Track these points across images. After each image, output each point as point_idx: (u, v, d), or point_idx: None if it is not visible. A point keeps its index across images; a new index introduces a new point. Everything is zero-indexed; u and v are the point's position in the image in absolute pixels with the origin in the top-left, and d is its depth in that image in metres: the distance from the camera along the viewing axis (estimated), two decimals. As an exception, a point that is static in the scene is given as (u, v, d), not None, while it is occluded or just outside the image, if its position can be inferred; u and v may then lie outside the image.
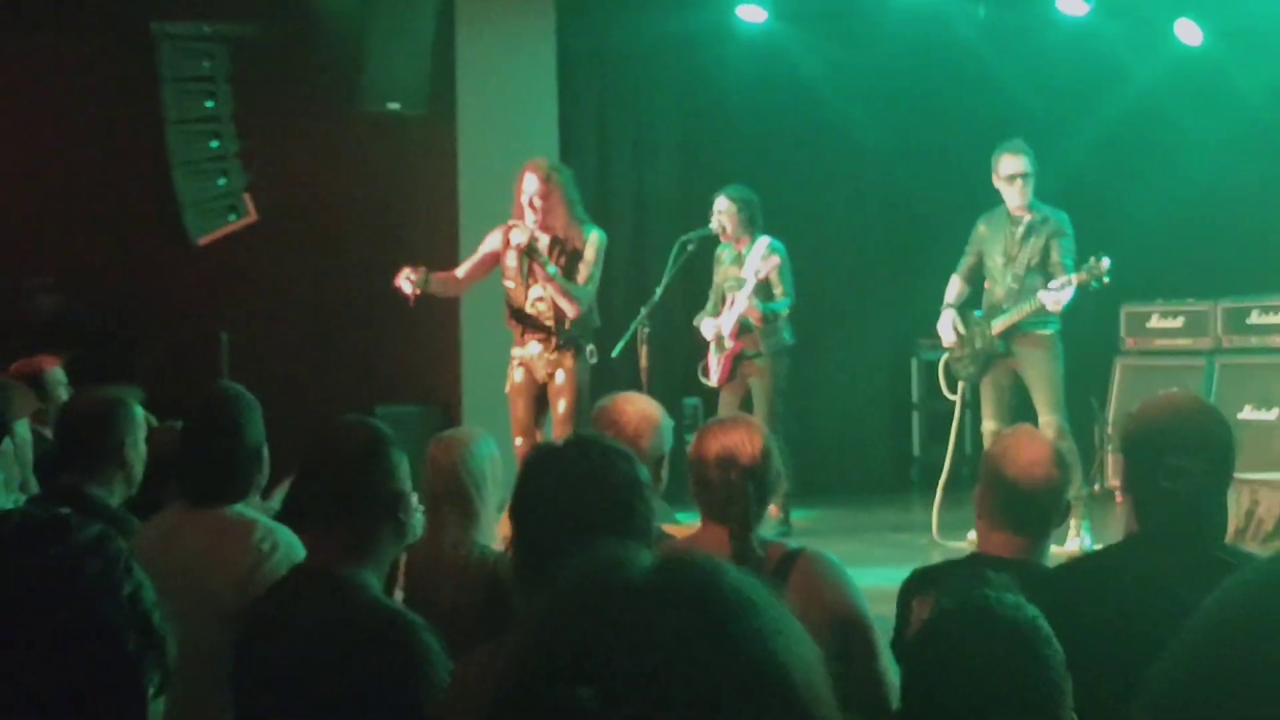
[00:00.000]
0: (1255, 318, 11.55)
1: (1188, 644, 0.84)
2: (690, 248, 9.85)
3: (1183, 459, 3.49)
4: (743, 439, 3.89)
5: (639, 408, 4.90)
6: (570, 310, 8.64)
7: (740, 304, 9.89)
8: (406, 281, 8.50)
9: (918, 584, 3.95)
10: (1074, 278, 9.03)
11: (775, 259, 9.93)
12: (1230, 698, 0.81)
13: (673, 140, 12.91)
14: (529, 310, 8.75)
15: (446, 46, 11.31)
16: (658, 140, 12.87)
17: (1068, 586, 3.59)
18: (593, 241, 8.78)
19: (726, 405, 9.97)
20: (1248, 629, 0.83)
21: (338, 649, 3.42)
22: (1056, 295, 9.06)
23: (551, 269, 8.60)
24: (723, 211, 10.08)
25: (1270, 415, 11.27)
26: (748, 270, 9.95)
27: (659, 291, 9.67)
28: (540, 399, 8.81)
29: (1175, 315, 11.97)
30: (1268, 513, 9.50)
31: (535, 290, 8.71)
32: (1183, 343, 11.90)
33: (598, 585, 1.36)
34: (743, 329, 10.00)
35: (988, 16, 12.52)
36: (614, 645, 1.30)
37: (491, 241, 8.88)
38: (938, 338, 9.80)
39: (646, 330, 9.55)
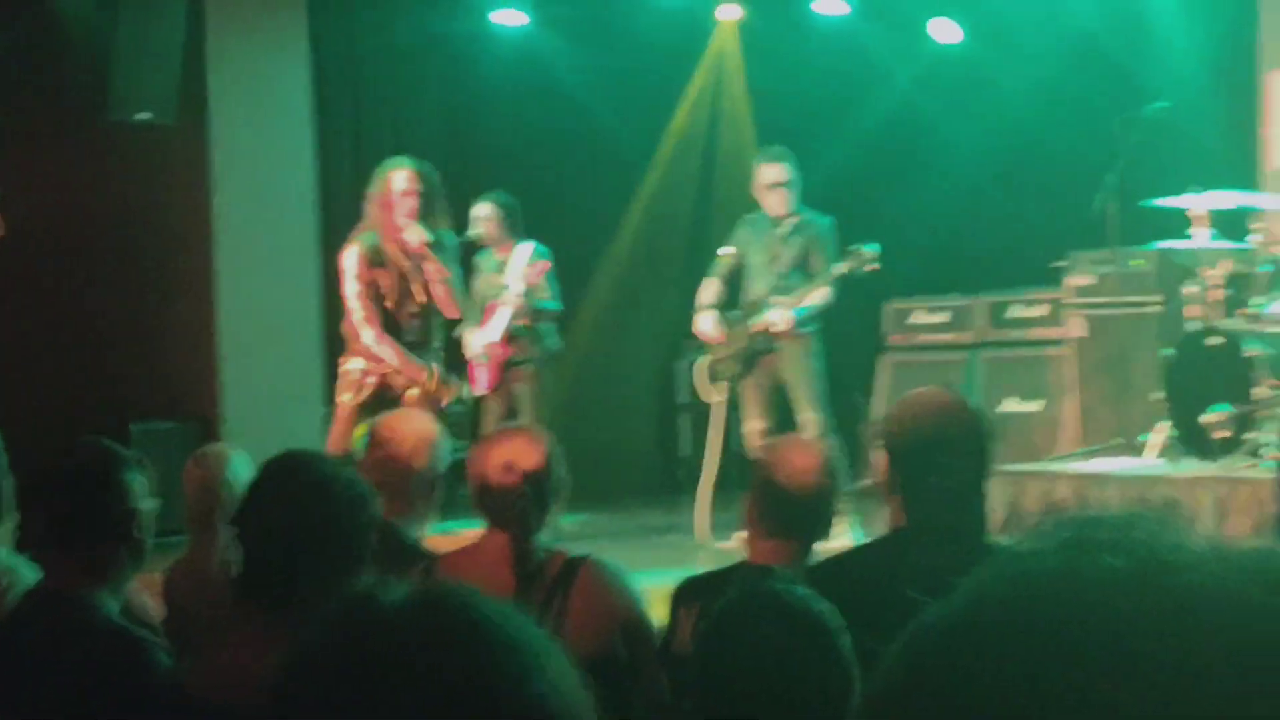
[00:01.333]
0: (1015, 312, 11.76)
1: (902, 650, 0.80)
2: (452, 255, 9.73)
3: (944, 455, 3.51)
4: (524, 447, 3.87)
5: (414, 426, 4.82)
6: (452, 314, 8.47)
7: (510, 305, 9.77)
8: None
9: (686, 594, 3.92)
10: (836, 269, 9.14)
11: (546, 263, 9.85)
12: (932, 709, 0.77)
13: (432, 146, 12.74)
14: (407, 324, 8.44)
15: (197, 53, 11.03)
16: (417, 146, 12.67)
17: (838, 580, 3.57)
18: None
19: (492, 413, 9.87)
20: (960, 639, 0.79)
21: (67, 671, 3.35)
22: (788, 319, 9.20)
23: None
24: (484, 218, 9.98)
25: (1032, 407, 11.48)
26: (511, 277, 9.84)
27: (420, 300, 9.53)
28: None
29: (938, 311, 12.13)
30: (1032, 503, 9.66)
31: (410, 304, 8.42)
32: (946, 338, 12.06)
33: (347, 625, 1.25)
34: (509, 337, 9.89)
35: (746, 19, 12.60)
36: (363, 690, 1.19)
37: (361, 270, 8.43)
38: (701, 340, 9.82)
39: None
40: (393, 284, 8.34)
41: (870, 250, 9.06)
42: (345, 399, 8.37)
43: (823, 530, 3.94)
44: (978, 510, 3.64)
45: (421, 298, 8.40)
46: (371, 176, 8.71)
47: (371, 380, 8.31)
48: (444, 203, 8.65)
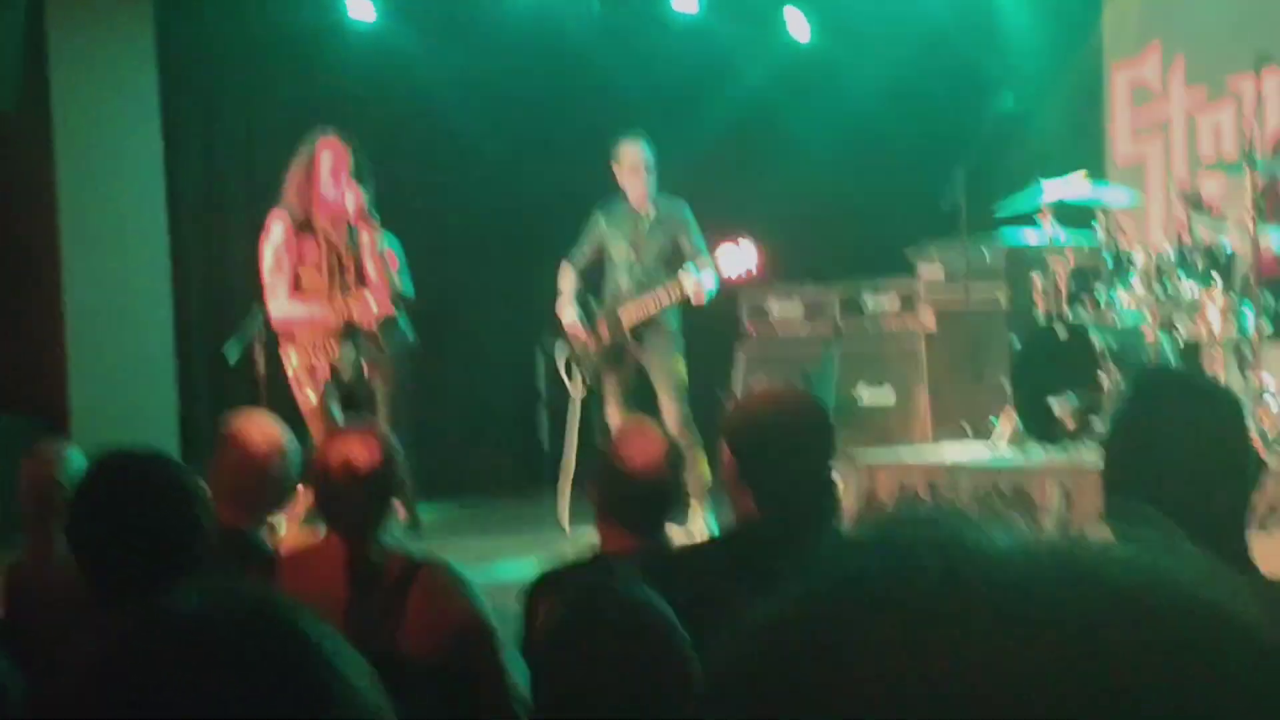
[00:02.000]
0: (869, 303, 11.87)
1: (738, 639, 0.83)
2: (307, 247, 9.67)
3: (785, 447, 3.54)
4: (360, 448, 3.79)
5: (264, 431, 4.73)
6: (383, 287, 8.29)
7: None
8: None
9: (542, 586, 3.90)
10: (720, 270, 9.16)
11: (392, 253, 9.80)
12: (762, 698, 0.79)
13: (285, 139, 12.63)
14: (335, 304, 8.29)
15: (38, 40, 10.85)
16: (270, 139, 12.59)
17: (693, 572, 3.59)
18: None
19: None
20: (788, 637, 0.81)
21: None
22: (697, 281, 9.15)
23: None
24: (339, 211, 9.92)
25: (885, 396, 11.59)
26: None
27: (275, 293, 9.47)
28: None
29: (793, 302, 12.22)
30: (885, 492, 9.77)
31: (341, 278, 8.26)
32: (801, 328, 12.14)
33: (131, 633, 1.23)
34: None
35: (601, 15, 12.62)
36: (142, 696, 1.18)
37: (282, 240, 8.28)
38: (562, 331, 9.81)
39: (262, 333, 9.34)
40: (321, 256, 8.22)
41: (753, 253, 9.14)
42: (309, 396, 8.29)
43: (672, 515, 3.94)
44: (826, 499, 3.67)
45: (351, 274, 8.30)
46: (297, 148, 8.55)
47: (320, 367, 8.29)
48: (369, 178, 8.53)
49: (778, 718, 0.77)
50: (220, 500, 4.41)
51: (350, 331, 8.29)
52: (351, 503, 3.74)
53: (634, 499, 3.87)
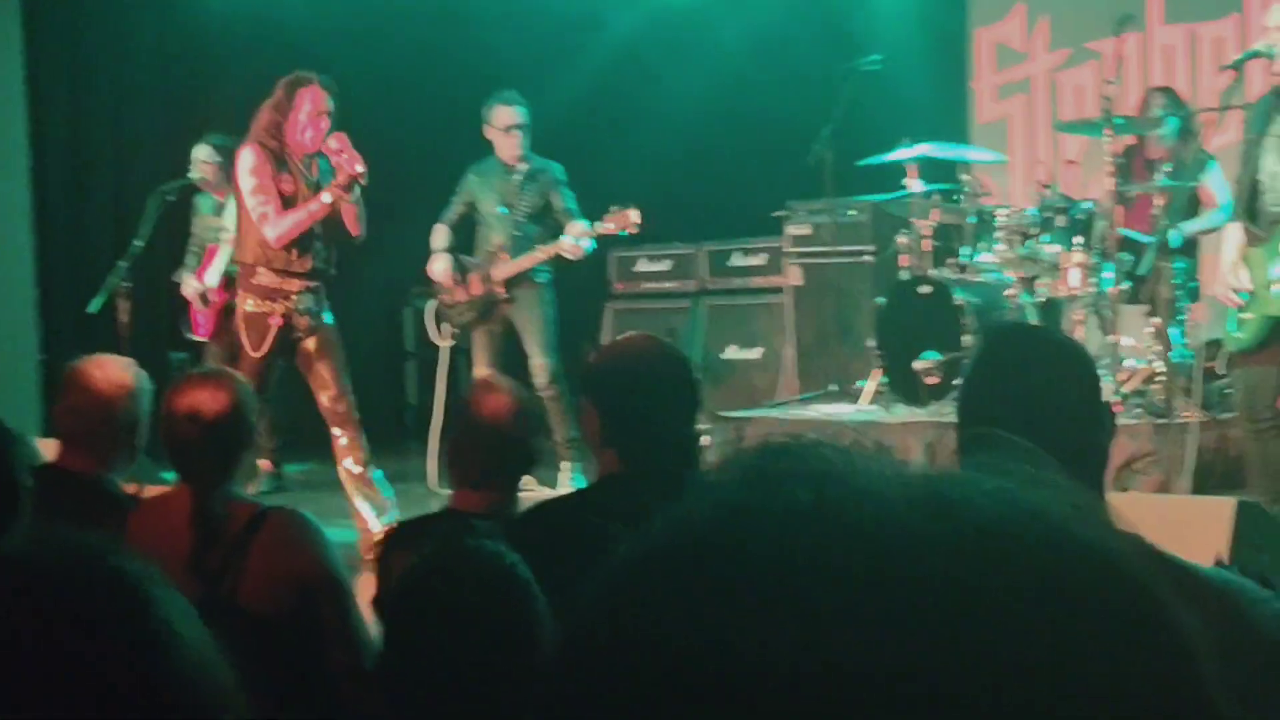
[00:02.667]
0: (736, 260, 11.93)
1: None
2: (170, 198, 9.59)
3: (647, 399, 3.52)
4: (208, 395, 3.74)
5: (109, 373, 4.63)
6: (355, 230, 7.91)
7: (224, 254, 9.64)
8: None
9: (395, 540, 3.88)
10: (599, 227, 9.14)
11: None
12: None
13: (153, 88, 12.48)
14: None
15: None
16: (137, 87, 12.42)
17: (546, 526, 3.59)
18: None
19: (214, 358, 9.72)
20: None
21: None
22: (575, 244, 9.15)
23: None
24: (203, 161, 9.84)
25: (753, 354, 11.67)
26: (229, 219, 9.70)
27: (138, 244, 9.39)
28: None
29: (662, 259, 12.25)
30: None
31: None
32: (669, 285, 12.18)
33: None
34: (229, 281, 9.74)
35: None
36: None
37: (256, 163, 7.82)
38: (430, 286, 9.77)
39: (126, 284, 9.25)
40: (294, 194, 7.87)
41: (632, 212, 9.11)
42: (253, 353, 7.89)
43: (524, 470, 3.92)
44: (687, 453, 3.66)
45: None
46: (274, 87, 8.14)
47: (274, 323, 7.86)
48: None
49: (639, 668, 0.75)
50: (66, 444, 4.36)
51: (313, 279, 7.96)
52: (196, 451, 3.69)
53: (480, 453, 3.86)
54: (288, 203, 7.79)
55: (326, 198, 7.71)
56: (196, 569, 3.54)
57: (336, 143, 7.75)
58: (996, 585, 0.74)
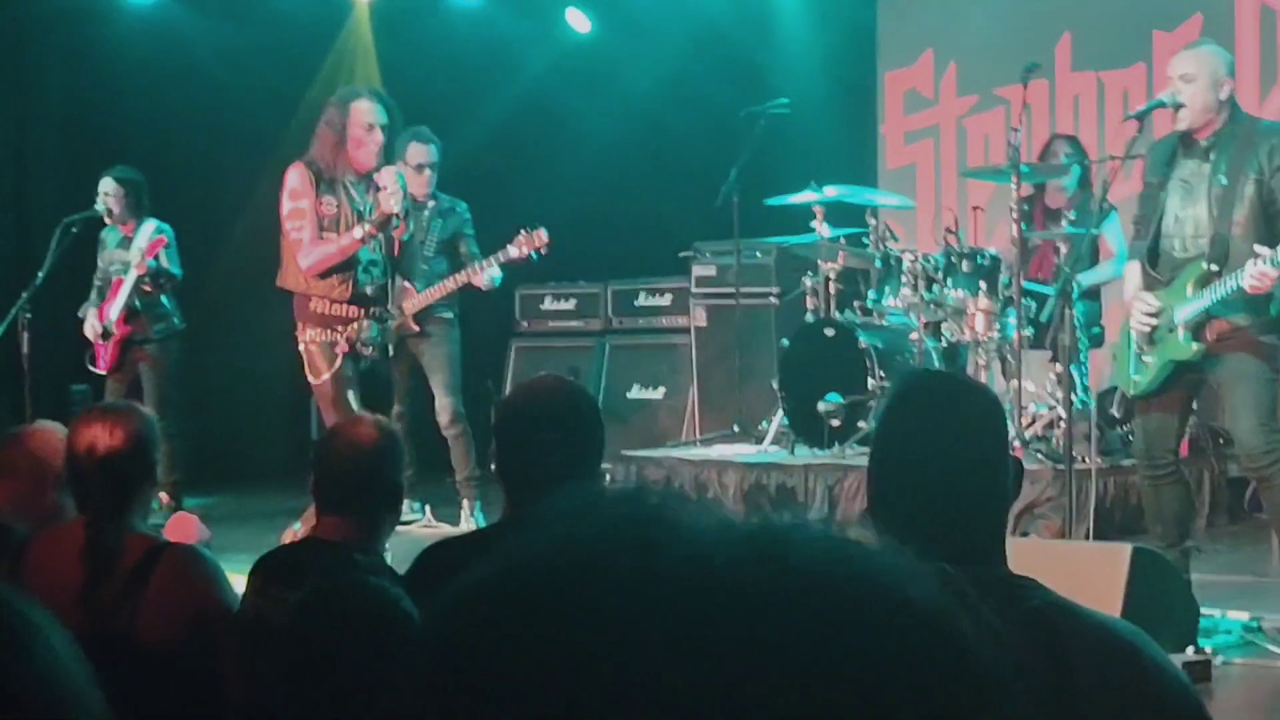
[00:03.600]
0: (642, 300, 11.94)
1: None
2: (75, 230, 9.51)
3: (547, 434, 3.53)
4: (105, 430, 3.72)
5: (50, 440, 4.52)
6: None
7: (127, 287, 9.57)
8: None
9: (262, 569, 3.83)
10: (511, 250, 9.03)
11: (163, 238, 9.66)
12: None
13: (58, 119, 12.37)
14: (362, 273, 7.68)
15: None
16: (41, 118, 12.30)
17: (440, 564, 3.58)
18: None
19: (113, 392, 9.63)
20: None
21: None
22: (483, 273, 9.10)
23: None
24: (109, 194, 9.76)
25: (656, 394, 11.68)
26: (134, 253, 9.63)
27: (41, 275, 9.32)
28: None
29: (567, 298, 12.25)
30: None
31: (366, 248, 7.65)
32: (574, 324, 12.18)
33: None
34: (131, 314, 9.66)
35: (381, 2, 12.56)
36: None
37: (304, 189, 7.64)
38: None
39: (28, 315, 9.18)
40: (337, 216, 7.70)
41: (541, 232, 9.06)
42: (323, 379, 7.80)
43: (388, 505, 3.91)
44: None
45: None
46: (326, 103, 7.99)
47: (339, 351, 7.73)
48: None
49: (471, 683, 0.79)
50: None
51: (374, 303, 7.79)
52: (91, 484, 3.67)
53: (342, 485, 3.85)
54: (330, 227, 7.63)
55: (358, 233, 7.60)
56: (88, 602, 3.51)
57: (386, 178, 7.62)
58: (807, 632, 0.78)
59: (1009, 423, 8.80)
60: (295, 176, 7.68)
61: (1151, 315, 6.31)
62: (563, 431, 3.56)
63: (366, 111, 7.68)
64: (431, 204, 9.47)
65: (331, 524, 3.82)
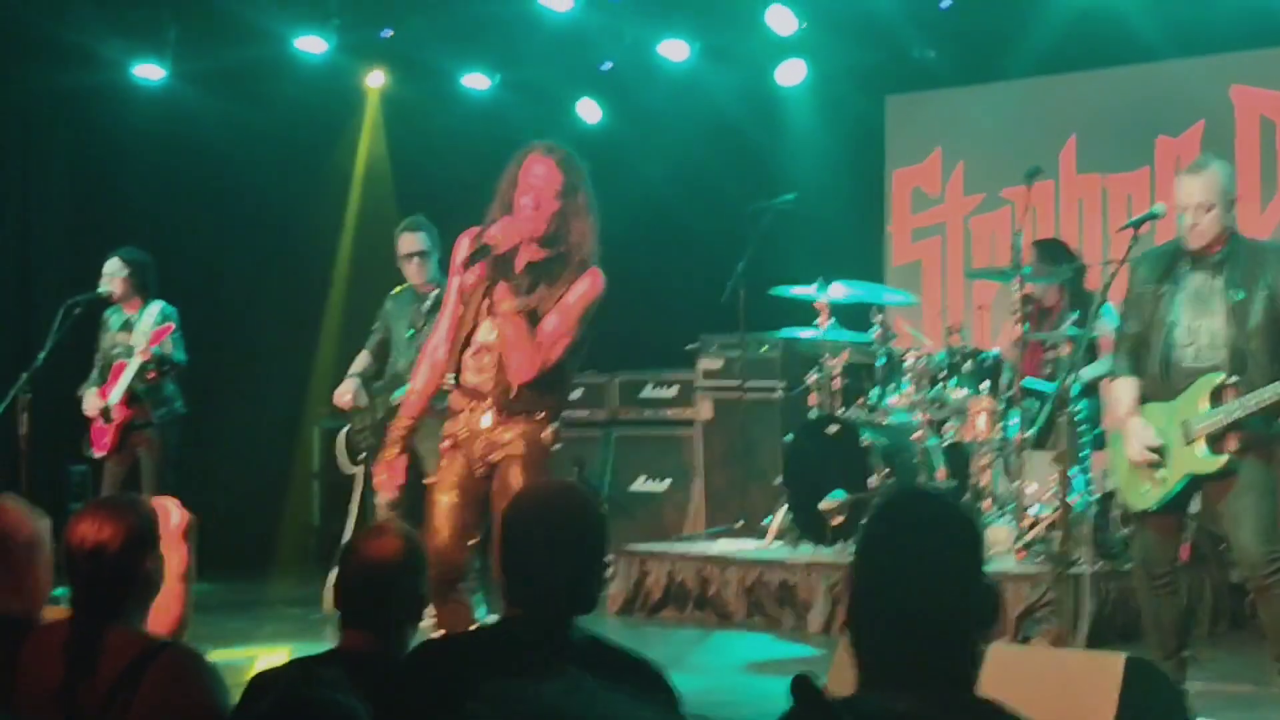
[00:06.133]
0: (648, 392, 11.91)
1: None
2: (78, 311, 9.51)
3: (543, 542, 3.53)
4: (95, 525, 3.65)
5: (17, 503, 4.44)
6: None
7: (130, 372, 9.56)
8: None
9: (260, 685, 3.76)
10: None
11: (170, 325, 9.65)
12: None
13: (64, 198, 12.42)
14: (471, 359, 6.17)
15: None
16: (48, 198, 12.35)
17: (431, 665, 3.56)
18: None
19: (112, 476, 9.64)
20: None
21: None
22: None
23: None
24: (113, 275, 9.76)
25: (661, 486, 11.64)
26: (138, 336, 9.63)
27: (41, 356, 9.32)
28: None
29: (574, 387, 12.20)
30: (655, 583, 9.79)
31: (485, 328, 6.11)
32: (580, 414, 12.13)
33: None
34: (132, 398, 9.64)
35: (391, 87, 12.61)
36: None
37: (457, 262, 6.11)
38: (339, 408, 9.69)
39: (28, 396, 9.17)
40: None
41: None
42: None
43: (412, 615, 3.88)
44: (579, 600, 3.64)
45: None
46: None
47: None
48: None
49: None
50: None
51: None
52: (80, 580, 3.62)
53: (367, 596, 3.81)
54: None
55: None
56: (64, 701, 3.46)
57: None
58: None
59: (1009, 524, 8.81)
60: (460, 244, 6.37)
61: (1152, 450, 6.26)
62: (567, 539, 3.55)
63: (535, 168, 6.21)
64: (432, 293, 9.43)
65: (355, 635, 3.79)
